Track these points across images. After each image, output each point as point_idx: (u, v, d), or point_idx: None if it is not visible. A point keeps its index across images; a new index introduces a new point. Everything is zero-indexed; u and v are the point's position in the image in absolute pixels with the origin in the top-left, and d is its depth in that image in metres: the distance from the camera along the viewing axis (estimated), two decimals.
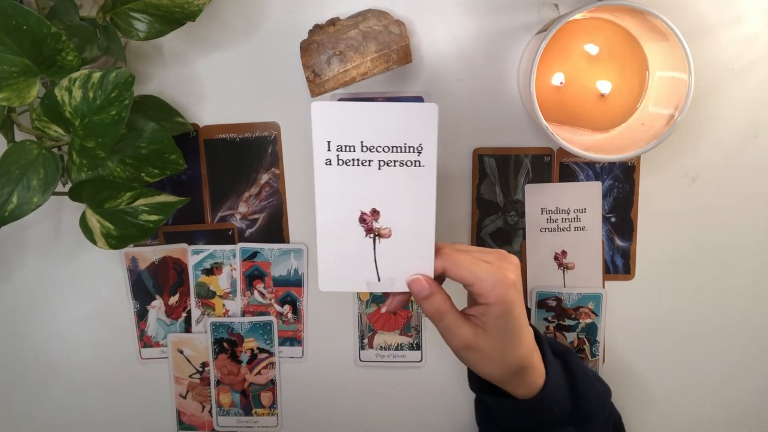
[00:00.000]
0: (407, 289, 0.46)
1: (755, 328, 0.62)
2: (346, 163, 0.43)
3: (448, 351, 0.47)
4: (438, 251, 0.46)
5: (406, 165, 0.43)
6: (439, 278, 0.47)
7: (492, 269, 0.45)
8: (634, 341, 0.62)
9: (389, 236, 0.45)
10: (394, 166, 0.43)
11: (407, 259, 0.45)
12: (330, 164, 0.43)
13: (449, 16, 0.59)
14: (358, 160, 0.43)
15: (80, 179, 0.49)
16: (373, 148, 0.43)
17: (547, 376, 0.48)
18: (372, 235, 0.45)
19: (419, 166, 0.43)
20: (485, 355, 0.46)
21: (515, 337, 0.46)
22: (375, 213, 0.45)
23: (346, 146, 0.43)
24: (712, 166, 0.60)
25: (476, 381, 0.52)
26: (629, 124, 0.56)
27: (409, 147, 0.43)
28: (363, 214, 0.45)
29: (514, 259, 0.47)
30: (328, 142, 0.43)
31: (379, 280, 0.46)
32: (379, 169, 0.43)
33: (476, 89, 0.60)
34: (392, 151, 0.43)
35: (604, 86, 0.56)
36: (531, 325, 0.50)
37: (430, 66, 0.59)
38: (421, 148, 0.43)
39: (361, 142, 0.43)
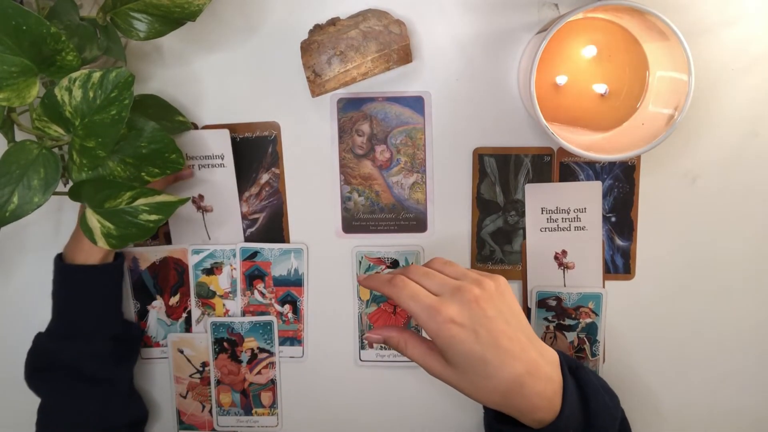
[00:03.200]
0: None
1: (755, 327, 0.62)
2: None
3: None
4: (392, 280, 0.46)
5: None
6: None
7: (425, 304, 0.44)
8: (634, 341, 0.62)
9: None
10: None
11: None
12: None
13: (449, 16, 0.59)
14: None
15: (80, 179, 0.49)
16: None
17: (564, 403, 0.45)
18: None
19: None
20: (459, 387, 0.45)
21: (479, 369, 0.43)
22: None
23: None
24: (712, 166, 0.60)
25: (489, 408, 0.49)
26: (629, 124, 0.56)
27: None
28: None
29: (469, 294, 0.44)
30: None
31: None
32: None
33: (476, 89, 0.60)
34: None
35: (604, 86, 0.56)
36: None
37: (430, 66, 0.60)
38: None
39: None
